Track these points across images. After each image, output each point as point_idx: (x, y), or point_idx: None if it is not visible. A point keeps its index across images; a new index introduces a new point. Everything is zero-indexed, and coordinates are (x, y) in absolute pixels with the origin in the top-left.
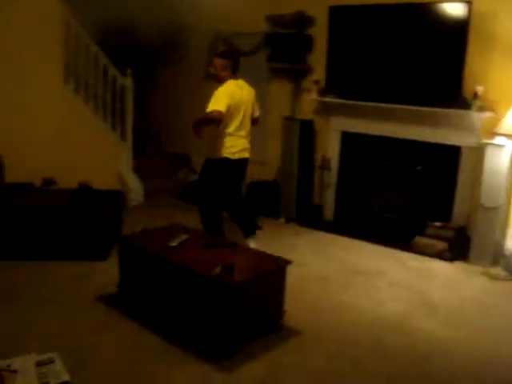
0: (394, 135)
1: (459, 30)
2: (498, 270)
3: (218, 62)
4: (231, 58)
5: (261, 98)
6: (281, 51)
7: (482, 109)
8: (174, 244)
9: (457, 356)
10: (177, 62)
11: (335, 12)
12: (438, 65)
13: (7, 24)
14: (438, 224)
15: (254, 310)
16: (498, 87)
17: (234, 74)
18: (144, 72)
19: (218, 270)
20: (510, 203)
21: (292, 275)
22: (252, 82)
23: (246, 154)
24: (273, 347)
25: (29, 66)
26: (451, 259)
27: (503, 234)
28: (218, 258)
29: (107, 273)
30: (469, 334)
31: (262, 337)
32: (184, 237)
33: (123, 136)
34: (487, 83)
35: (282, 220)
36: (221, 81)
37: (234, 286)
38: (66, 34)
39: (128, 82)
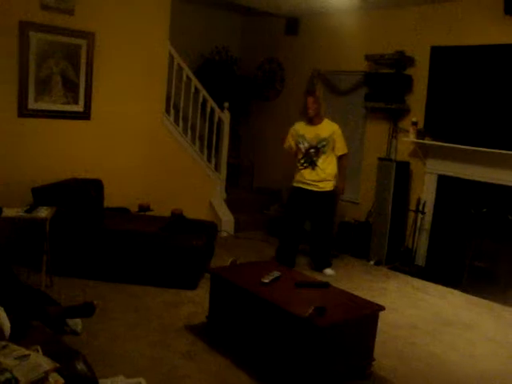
0: (494, 181)
1: None
2: None
3: (319, 101)
4: None
5: (357, 137)
6: (379, 90)
7: None
8: (266, 280)
9: None
10: (273, 97)
11: (437, 52)
12: None
13: (121, 53)
14: None
15: (343, 354)
16: None
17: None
18: (241, 106)
19: (310, 310)
20: None
21: (380, 320)
22: (349, 120)
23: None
24: None
25: (133, 97)
26: None
27: None
28: (311, 297)
29: (196, 302)
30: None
31: (352, 381)
32: (277, 274)
33: (217, 168)
34: None
35: (372, 262)
36: (321, 119)
37: (326, 329)
38: (168, 68)
39: (225, 115)
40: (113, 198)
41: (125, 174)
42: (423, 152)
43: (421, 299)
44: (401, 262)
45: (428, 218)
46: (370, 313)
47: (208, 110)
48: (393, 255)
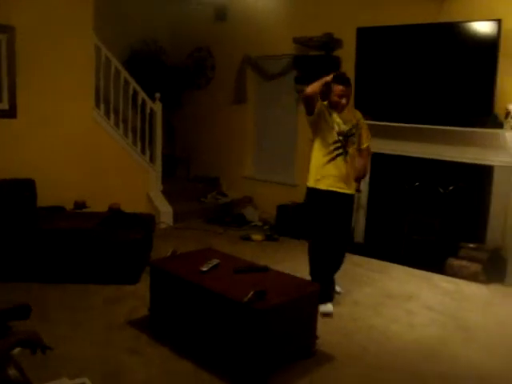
0: (425, 156)
1: (489, 49)
2: None
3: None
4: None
5: (289, 120)
6: (309, 73)
7: None
8: (205, 268)
9: None
10: (205, 86)
11: (363, 33)
12: (468, 84)
13: (42, 49)
14: (471, 245)
15: (286, 335)
16: None
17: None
18: (173, 97)
19: (250, 295)
20: None
21: None
22: (280, 104)
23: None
24: (306, 373)
25: (60, 92)
26: (486, 281)
27: None
28: (250, 282)
29: (138, 296)
30: (506, 364)
31: (295, 363)
32: (216, 261)
33: (152, 160)
34: None
35: None
36: (343, 109)
37: (266, 312)
38: (96, 60)
39: (157, 106)
40: (47, 197)
41: (58, 172)
42: None
43: (362, 275)
44: None
45: (364, 195)
46: (309, 292)
47: (139, 101)
48: None
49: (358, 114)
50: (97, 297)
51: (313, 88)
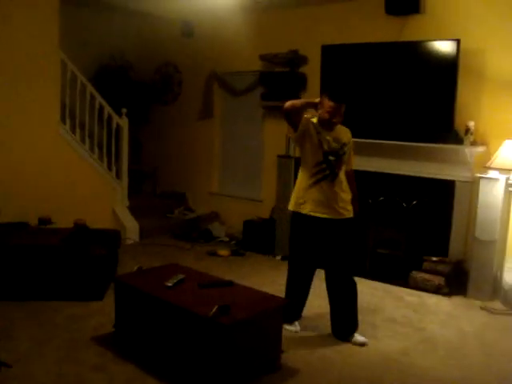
0: (389, 171)
1: (450, 67)
2: (496, 304)
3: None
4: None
5: (255, 136)
6: (275, 89)
7: (474, 143)
8: (170, 284)
9: None
10: (172, 101)
11: (327, 50)
12: (430, 101)
13: (6, 64)
14: (434, 259)
15: (251, 350)
16: (488, 122)
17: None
18: (140, 112)
19: (213, 309)
20: (506, 236)
21: None
22: (247, 120)
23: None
24: None
25: (25, 107)
26: (449, 294)
27: (501, 268)
28: (215, 297)
29: (103, 313)
30: (471, 373)
31: (260, 377)
32: (181, 276)
33: (119, 175)
34: (478, 118)
35: (279, 257)
36: (332, 127)
37: (230, 326)
38: (62, 74)
39: (123, 121)
40: (10, 213)
41: (22, 187)
42: None
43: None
44: None
45: None
46: (274, 306)
47: (105, 116)
48: None
49: (349, 134)
50: (61, 314)
51: (293, 104)
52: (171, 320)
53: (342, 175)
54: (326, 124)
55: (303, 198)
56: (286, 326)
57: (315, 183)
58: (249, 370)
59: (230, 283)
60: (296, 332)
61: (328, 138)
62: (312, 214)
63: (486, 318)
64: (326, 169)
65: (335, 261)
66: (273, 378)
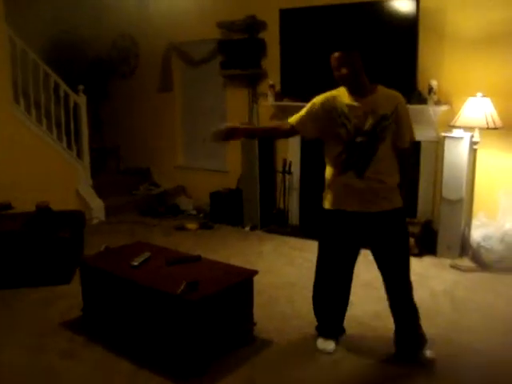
0: None
1: (409, 27)
2: (465, 262)
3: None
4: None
5: (218, 106)
6: (234, 57)
7: (438, 102)
8: (136, 263)
9: None
10: (130, 74)
11: (286, 15)
12: (392, 62)
13: None
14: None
15: (222, 324)
16: (451, 81)
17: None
18: (98, 88)
19: (182, 286)
20: (472, 194)
21: (260, 283)
22: (208, 90)
23: None
24: (245, 361)
25: None
26: (419, 254)
27: (468, 225)
28: (183, 274)
29: (71, 297)
30: (444, 330)
31: (234, 351)
32: (147, 254)
33: (80, 154)
34: (441, 77)
35: (248, 228)
36: (374, 87)
37: (199, 302)
38: (11, 53)
39: (81, 99)
40: None
41: None
42: (284, 114)
43: (298, 257)
44: (275, 223)
45: (296, 177)
46: (243, 279)
47: (62, 94)
48: (267, 218)
49: (397, 97)
50: (28, 300)
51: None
52: (139, 300)
53: (383, 155)
54: (351, 88)
55: (326, 189)
56: (319, 342)
57: (340, 174)
58: (222, 345)
59: (198, 258)
60: (328, 353)
61: (355, 112)
62: (335, 207)
63: (455, 276)
64: (353, 155)
65: (388, 264)
66: (247, 351)
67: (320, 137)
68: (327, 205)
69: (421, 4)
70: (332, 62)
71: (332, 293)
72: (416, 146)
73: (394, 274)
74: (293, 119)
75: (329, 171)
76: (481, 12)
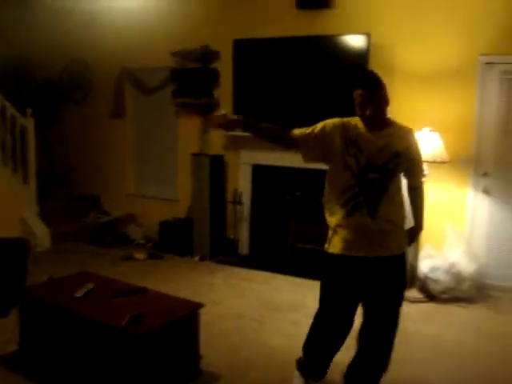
0: (305, 166)
1: (360, 61)
2: (413, 293)
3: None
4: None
5: (170, 134)
6: (187, 86)
7: None
8: (79, 294)
9: None
10: (83, 100)
11: (239, 45)
12: (342, 95)
13: None
14: None
15: (167, 359)
16: (399, 115)
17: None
18: (47, 112)
19: (125, 319)
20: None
21: (208, 315)
22: (160, 118)
23: None
24: None
25: None
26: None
27: (416, 257)
28: (128, 306)
29: (8, 330)
30: (392, 363)
31: None
32: (91, 285)
33: (26, 180)
34: (390, 111)
35: (197, 258)
36: (389, 121)
37: (143, 336)
38: None
39: (28, 122)
40: None
41: None
42: (236, 144)
43: (247, 288)
44: (225, 254)
45: (247, 207)
46: (189, 312)
47: (8, 116)
48: (217, 248)
49: (410, 134)
50: None
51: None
52: (81, 334)
53: (392, 193)
54: (369, 122)
55: (332, 230)
56: (297, 381)
57: (350, 213)
58: (167, 380)
59: (144, 290)
60: None
61: (369, 147)
62: (345, 253)
63: (404, 307)
64: (364, 192)
65: (384, 310)
66: None
67: (325, 163)
68: (334, 249)
69: (372, 40)
70: (356, 99)
71: (331, 339)
72: None
73: (386, 321)
74: (298, 132)
75: (334, 210)
76: (428, 49)
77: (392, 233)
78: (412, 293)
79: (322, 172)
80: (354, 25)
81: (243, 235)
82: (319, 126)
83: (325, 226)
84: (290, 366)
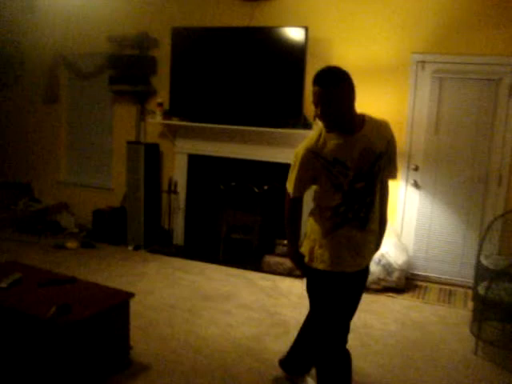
0: (240, 156)
1: (298, 54)
2: None
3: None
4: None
5: (105, 121)
6: (124, 73)
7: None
8: (5, 284)
9: None
10: (13, 83)
11: (177, 33)
12: (280, 87)
13: None
14: (285, 242)
15: (96, 349)
16: None
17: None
18: None
19: (52, 310)
20: None
21: (140, 305)
22: (95, 104)
23: None
24: None
25: None
26: (301, 276)
27: None
28: (55, 296)
29: None
30: None
31: (110, 377)
32: (17, 275)
33: None
34: None
35: (131, 247)
36: (361, 120)
37: (70, 326)
38: None
39: None
40: None
41: None
42: (172, 132)
43: (180, 278)
44: (159, 243)
45: (182, 197)
46: (118, 302)
47: None
48: (151, 238)
49: (387, 128)
50: None
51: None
52: (7, 325)
53: (376, 201)
54: (333, 126)
55: (316, 244)
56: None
57: (339, 226)
58: (96, 371)
59: (73, 280)
60: None
61: (350, 155)
62: (334, 269)
63: None
64: (352, 207)
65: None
66: (123, 376)
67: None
68: (321, 265)
69: (309, 33)
70: (314, 96)
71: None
72: None
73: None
74: (290, 189)
75: (321, 223)
76: (364, 45)
77: (372, 243)
78: None
79: (257, 163)
80: (292, 18)
81: (178, 225)
82: (296, 166)
83: (258, 215)
84: (221, 356)
